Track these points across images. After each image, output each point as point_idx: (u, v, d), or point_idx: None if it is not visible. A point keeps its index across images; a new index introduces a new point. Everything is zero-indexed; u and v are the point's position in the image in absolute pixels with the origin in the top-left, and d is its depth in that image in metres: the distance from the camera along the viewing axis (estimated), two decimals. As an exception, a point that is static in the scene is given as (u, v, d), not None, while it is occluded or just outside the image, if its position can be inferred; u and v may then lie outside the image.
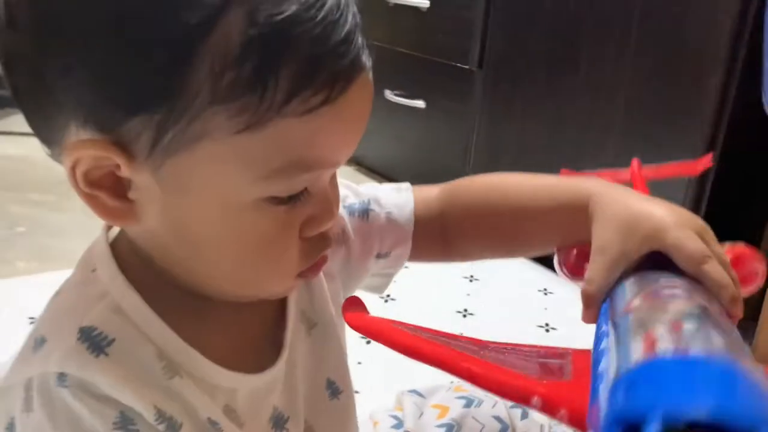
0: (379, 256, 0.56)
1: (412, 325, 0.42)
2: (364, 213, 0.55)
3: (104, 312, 0.40)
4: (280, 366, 0.47)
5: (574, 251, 0.51)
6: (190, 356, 0.42)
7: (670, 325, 0.34)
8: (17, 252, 1.43)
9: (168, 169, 0.36)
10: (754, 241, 1.28)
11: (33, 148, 1.91)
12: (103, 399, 0.39)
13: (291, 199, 0.39)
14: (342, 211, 0.54)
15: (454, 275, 1.40)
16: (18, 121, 2.46)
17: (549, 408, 0.40)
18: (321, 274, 0.51)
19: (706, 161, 0.73)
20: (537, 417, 0.75)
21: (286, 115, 0.35)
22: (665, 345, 0.32)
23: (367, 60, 0.38)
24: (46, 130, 0.38)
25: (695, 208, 1.16)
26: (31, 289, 1.26)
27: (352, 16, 0.37)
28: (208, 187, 0.37)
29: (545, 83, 1.41)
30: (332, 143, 0.38)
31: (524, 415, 0.74)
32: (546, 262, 1.49)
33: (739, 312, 0.40)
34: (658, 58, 1.19)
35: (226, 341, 0.45)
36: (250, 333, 0.48)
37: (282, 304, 0.49)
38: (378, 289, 0.61)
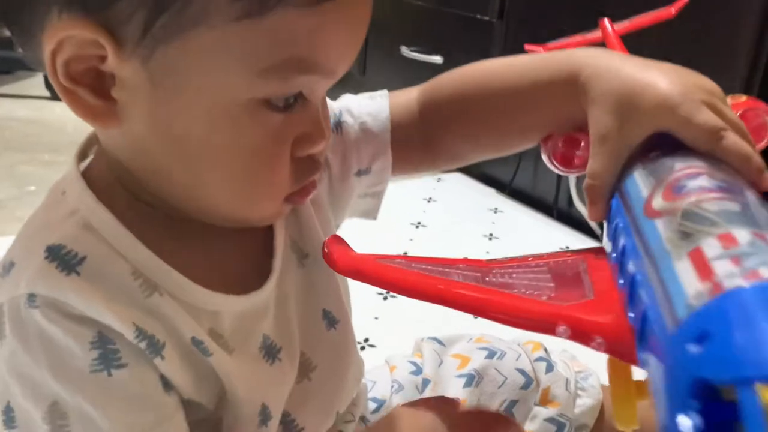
0: (359, 173, 0.52)
1: (403, 257, 0.38)
2: (337, 125, 0.51)
3: (73, 229, 0.37)
4: (268, 291, 0.44)
5: (561, 139, 0.46)
6: (167, 275, 0.39)
7: (720, 239, 0.29)
8: (28, 210, 1.40)
9: (158, 61, 0.33)
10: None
11: (44, 110, 1.92)
12: (77, 318, 0.36)
13: (286, 108, 0.36)
14: None
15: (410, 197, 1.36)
16: (29, 84, 2.48)
17: (581, 336, 0.35)
18: (309, 203, 0.48)
19: (681, 2, 0.66)
20: (562, 370, 0.71)
21: (288, 4, 0.33)
22: (727, 269, 0.26)
23: None
24: (25, 21, 0.35)
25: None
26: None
27: None
28: (202, 82, 0.34)
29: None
30: (331, 45, 0.36)
31: (549, 369, 0.70)
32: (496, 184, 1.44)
33: (766, 183, 0.35)
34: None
35: (207, 262, 0.42)
36: (234, 258, 0.44)
37: (268, 233, 0.46)
38: (369, 213, 0.57)
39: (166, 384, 0.39)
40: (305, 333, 0.48)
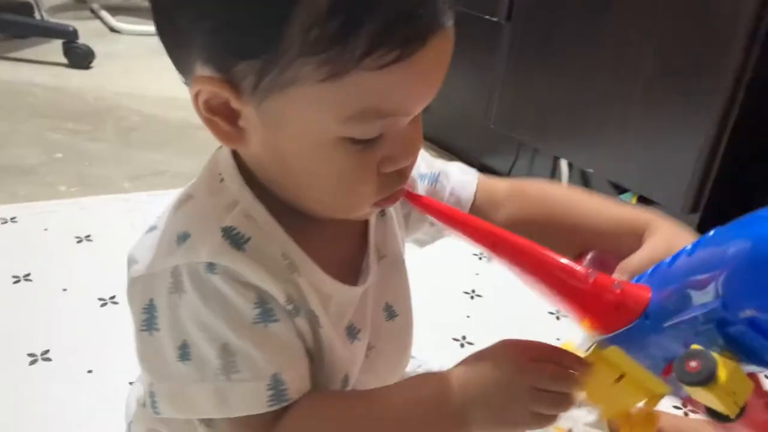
0: (432, 223, 0.63)
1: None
2: (434, 182, 0.62)
3: (238, 217, 0.48)
4: (365, 287, 0.56)
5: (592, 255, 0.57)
6: (304, 260, 0.50)
7: None
8: (57, 176, 1.50)
9: (266, 107, 0.43)
10: (763, 202, 1.34)
11: (63, 78, 2.01)
12: (245, 284, 0.46)
13: (370, 141, 0.44)
14: (414, 175, 0.60)
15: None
16: (45, 50, 2.55)
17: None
18: (394, 216, 0.59)
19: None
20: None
21: (363, 68, 0.40)
22: None
23: (447, 20, 0.42)
24: (179, 64, 0.46)
25: (710, 162, 1.22)
26: (75, 211, 1.34)
27: None
28: (297, 124, 0.44)
29: (574, 39, 1.44)
30: (405, 96, 0.43)
31: None
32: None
33: None
34: (687, 15, 1.22)
35: (326, 254, 0.52)
36: (341, 253, 0.55)
37: (364, 236, 0.57)
38: (422, 243, 0.69)
39: (300, 337, 0.50)
40: (372, 322, 0.58)
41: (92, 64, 2.26)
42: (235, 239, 0.47)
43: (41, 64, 2.23)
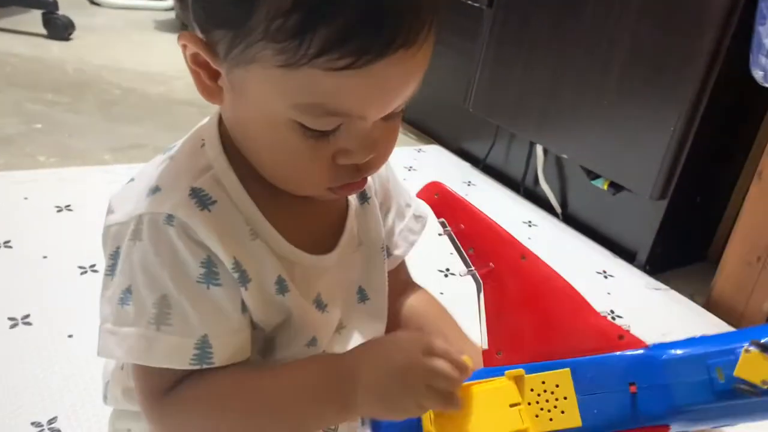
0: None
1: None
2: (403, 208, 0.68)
3: (209, 180, 0.50)
4: (331, 259, 0.58)
5: None
6: (267, 229, 0.52)
7: None
8: (36, 147, 1.50)
9: (233, 76, 0.46)
10: (725, 193, 1.40)
11: (42, 48, 2.00)
12: (197, 242, 0.48)
13: (324, 133, 0.46)
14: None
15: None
16: (24, 20, 2.52)
17: None
18: (377, 204, 0.62)
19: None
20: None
21: (315, 66, 0.42)
22: None
23: (418, 37, 0.42)
24: (185, 18, 0.49)
25: (678, 151, 1.26)
26: (54, 181, 1.35)
27: None
28: (255, 98, 0.46)
29: (551, 26, 1.47)
30: (356, 101, 0.44)
31: None
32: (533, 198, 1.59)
33: None
34: (660, 6, 1.26)
35: (293, 223, 0.54)
36: (310, 227, 0.57)
37: (343, 216, 0.59)
38: None
39: (244, 308, 0.51)
40: (344, 302, 0.60)
41: (72, 36, 2.24)
42: (201, 199, 0.49)
43: (20, 35, 2.20)
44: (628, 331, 0.56)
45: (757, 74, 1.08)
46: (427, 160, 1.73)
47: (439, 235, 0.65)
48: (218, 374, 0.51)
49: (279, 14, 0.41)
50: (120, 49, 2.25)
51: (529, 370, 0.53)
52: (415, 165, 1.68)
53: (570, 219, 1.53)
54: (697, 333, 1.01)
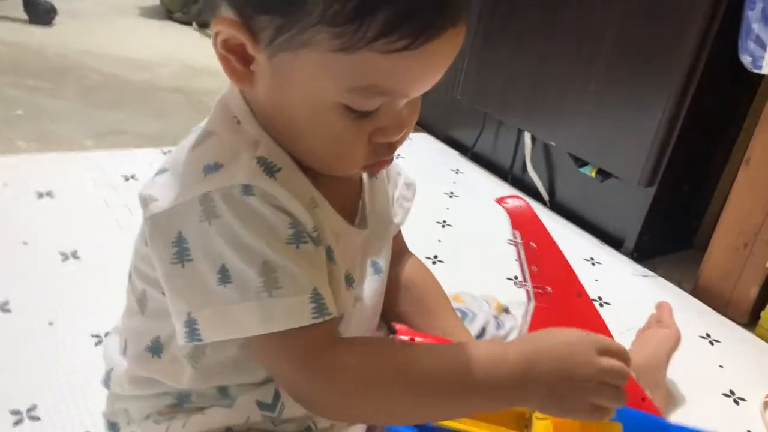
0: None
1: None
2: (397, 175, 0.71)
3: (265, 151, 0.50)
4: (367, 232, 0.59)
5: None
6: (320, 198, 0.53)
7: None
8: (17, 133, 1.47)
9: (278, 61, 0.46)
10: (712, 180, 1.40)
11: (23, 33, 1.97)
12: (280, 208, 0.48)
13: (366, 114, 0.47)
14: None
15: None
16: (4, 5, 2.48)
17: None
18: (385, 179, 0.64)
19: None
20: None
21: (373, 49, 0.43)
22: None
23: (462, 17, 0.45)
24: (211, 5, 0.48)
25: (666, 138, 1.26)
26: (35, 167, 1.32)
27: None
28: (302, 83, 0.46)
29: (539, 14, 1.46)
30: (408, 81, 0.46)
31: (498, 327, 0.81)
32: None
33: None
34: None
35: (332, 198, 0.54)
36: (343, 199, 0.58)
37: (360, 188, 0.61)
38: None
39: (324, 262, 0.52)
40: (361, 273, 0.61)
41: (54, 21, 2.20)
42: (268, 167, 0.49)
43: (1, 20, 2.16)
44: (647, 396, 0.64)
45: (746, 60, 1.08)
46: (415, 148, 1.72)
47: (509, 243, 0.71)
48: (385, 344, 0.55)
49: None
50: (103, 34, 2.22)
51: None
52: (402, 153, 1.64)
53: (558, 206, 1.52)
54: (684, 319, 1.01)
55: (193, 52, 2.15)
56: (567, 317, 0.63)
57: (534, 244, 0.69)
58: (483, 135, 1.70)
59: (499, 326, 0.78)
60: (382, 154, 0.52)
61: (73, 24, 2.25)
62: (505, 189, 1.58)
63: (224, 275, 0.48)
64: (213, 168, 0.49)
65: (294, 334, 0.48)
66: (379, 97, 0.47)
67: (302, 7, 0.43)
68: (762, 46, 1.05)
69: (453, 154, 1.73)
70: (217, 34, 0.46)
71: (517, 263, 0.68)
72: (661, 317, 0.97)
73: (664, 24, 1.22)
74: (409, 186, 0.72)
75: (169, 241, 0.49)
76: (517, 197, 0.74)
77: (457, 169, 1.64)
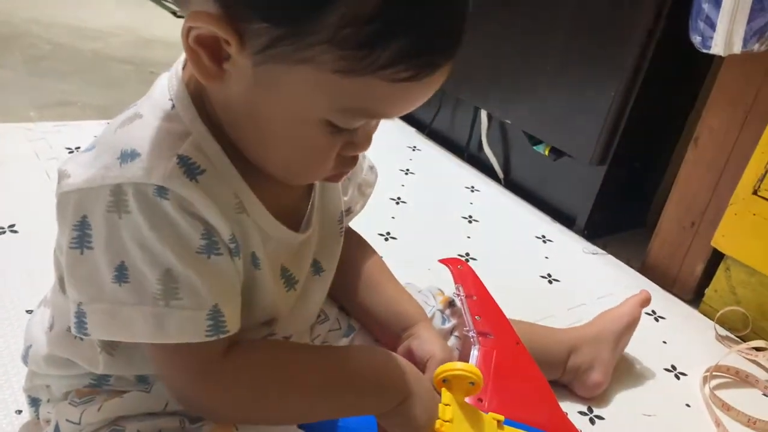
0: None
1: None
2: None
3: (191, 148, 0.47)
4: (309, 236, 0.58)
5: None
6: (252, 201, 0.51)
7: None
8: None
9: (267, 69, 0.43)
10: (663, 160, 1.41)
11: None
12: (194, 215, 0.46)
13: (344, 129, 0.47)
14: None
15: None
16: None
17: None
18: (340, 187, 0.64)
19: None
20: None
21: (377, 77, 0.42)
22: None
23: (457, 50, 0.45)
24: None
25: (618, 117, 1.27)
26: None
27: (466, 10, 0.44)
28: (290, 96, 0.44)
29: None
30: (399, 106, 0.46)
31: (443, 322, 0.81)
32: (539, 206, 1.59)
33: None
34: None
35: (273, 200, 0.53)
36: (286, 202, 0.56)
37: (310, 189, 0.59)
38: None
39: (238, 274, 0.51)
40: (303, 273, 0.60)
41: (0, -12, 2.12)
42: (190, 168, 0.46)
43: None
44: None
45: (696, 39, 1.08)
46: (371, 125, 1.71)
47: (456, 296, 0.79)
48: (276, 346, 0.56)
49: (353, 22, 0.40)
50: (53, 2, 2.14)
51: (508, 423, 0.62)
52: (374, 163, 1.64)
53: (512, 185, 1.53)
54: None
55: (147, 23, 2.08)
56: (508, 361, 0.74)
57: (475, 297, 0.79)
58: (440, 113, 1.69)
59: (444, 321, 0.79)
60: (346, 166, 0.52)
61: (20, -9, 2.17)
62: (461, 166, 1.57)
63: (122, 273, 0.46)
64: (129, 156, 0.46)
65: (187, 347, 0.48)
66: (366, 119, 0.47)
67: (311, 23, 0.40)
68: (711, 26, 1.05)
69: (410, 131, 1.72)
70: (190, 29, 0.43)
71: (462, 310, 0.78)
72: (629, 299, 0.98)
73: (617, 6, 1.22)
74: (372, 169, 0.71)
75: (73, 222, 0.47)
76: (459, 260, 0.87)
77: (414, 147, 1.63)
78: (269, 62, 0.43)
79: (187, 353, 0.48)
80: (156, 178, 0.45)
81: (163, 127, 0.48)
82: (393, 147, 1.60)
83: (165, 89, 0.50)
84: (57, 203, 0.49)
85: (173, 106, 0.49)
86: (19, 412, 0.71)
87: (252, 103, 0.46)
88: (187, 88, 0.49)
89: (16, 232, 1.02)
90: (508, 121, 1.48)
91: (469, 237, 1.27)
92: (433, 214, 1.33)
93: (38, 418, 0.65)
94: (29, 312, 0.86)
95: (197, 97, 0.49)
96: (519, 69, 1.42)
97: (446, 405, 0.57)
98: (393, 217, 1.28)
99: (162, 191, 0.45)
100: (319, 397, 0.54)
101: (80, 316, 0.48)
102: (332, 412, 0.57)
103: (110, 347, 0.55)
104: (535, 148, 1.42)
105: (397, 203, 1.34)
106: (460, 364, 0.60)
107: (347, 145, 0.49)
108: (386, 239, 1.21)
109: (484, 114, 1.56)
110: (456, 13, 0.44)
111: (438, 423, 0.55)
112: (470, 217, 1.35)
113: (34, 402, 0.64)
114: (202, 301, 0.47)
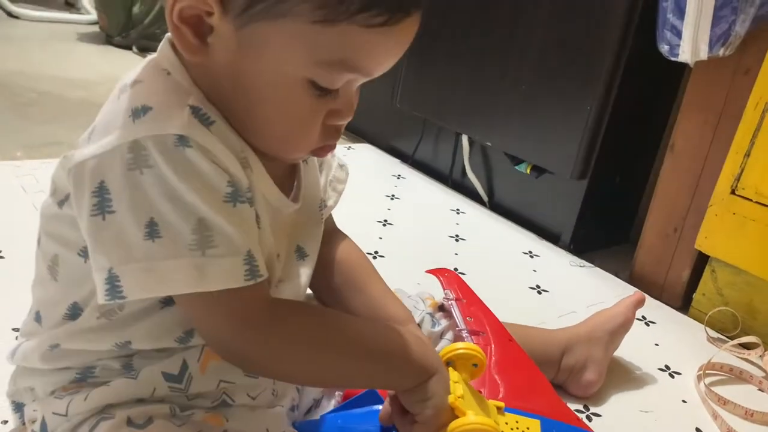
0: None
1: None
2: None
3: (197, 101, 0.48)
4: (297, 207, 0.59)
5: None
6: (254, 160, 0.51)
7: None
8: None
9: (249, 31, 0.45)
10: (643, 171, 1.44)
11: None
12: (218, 162, 0.47)
13: (328, 92, 0.48)
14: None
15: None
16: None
17: None
18: (316, 166, 0.64)
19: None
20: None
21: (353, 22, 0.44)
22: None
23: (423, 4, 0.48)
24: None
25: (595, 130, 1.29)
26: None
27: None
28: (274, 54, 0.46)
29: (469, 21, 1.50)
30: (376, 58, 0.48)
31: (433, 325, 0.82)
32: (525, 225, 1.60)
33: None
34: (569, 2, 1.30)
35: (267, 167, 0.53)
36: (278, 172, 0.56)
37: (295, 169, 0.60)
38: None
39: (255, 224, 0.52)
40: (286, 255, 0.60)
41: (-14, 45, 2.16)
42: (202, 118, 0.47)
43: None
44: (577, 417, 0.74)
45: (663, 48, 1.12)
46: (357, 158, 1.73)
47: (445, 301, 0.81)
48: (321, 307, 0.60)
49: None
50: (39, 57, 2.18)
51: (509, 410, 0.64)
52: (345, 161, 1.66)
53: (497, 206, 1.55)
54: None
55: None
56: (503, 355, 0.76)
57: (464, 300, 0.81)
58: (422, 142, 1.72)
59: (434, 324, 0.79)
60: (330, 138, 0.53)
61: (6, 48, 2.21)
62: (446, 192, 1.59)
63: (152, 229, 0.45)
64: (141, 111, 0.46)
65: (229, 294, 0.47)
66: (346, 74, 0.48)
67: None
68: (677, 34, 1.10)
69: (394, 162, 1.75)
70: (174, 5, 0.45)
71: (452, 313, 0.79)
72: (622, 300, 0.98)
73: (587, 22, 1.27)
74: (342, 167, 0.72)
75: (91, 190, 0.46)
76: (446, 269, 0.90)
77: (399, 175, 1.65)
78: (251, 23, 0.45)
79: (228, 300, 0.48)
80: (175, 127, 0.45)
81: (168, 84, 0.49)
82: (378, 175, 1.63)
83: (157, 62, 0.51)
84: (72, 178, 0.48)
85: (169, 73, 0.50)
86: (5, 422, 0.70)
87: (238, 70, 0.48)
88: (180, 60, 0.51)
89: (2, 258, 1.02)
90: (489, 143, 1.51)
91: (456, 254, 1.28)
92: (421, 234, 1.34)
93: (23, 423, 0.63)
94: (15, 330, 0.85)
95: (190, 71, 0.51)
96: (496, 91, 1.45)
97: (456, 382, 0.58)
98: (380, 238, 1.29)
99: (183, 140, 0.45)
100: (352, 361, 0.55)
101: (112, 281, 0.46)
102: (359, 380, 0.58)
103: (108, 316, 0.54)
104: (516, 167, 1.45)
105: (384, 225, 1.35)
106: (462, 344, 0.62)
107: (331, 113, 0.50)
108: (374, 257, 1.21)
109: (465, 139, 1.59)
110: None
111: (452, 398, 0.56)
112: (457, 236, 1.36)
113: (19, 407, 0.63)
114: (236, 247, 0.47)
